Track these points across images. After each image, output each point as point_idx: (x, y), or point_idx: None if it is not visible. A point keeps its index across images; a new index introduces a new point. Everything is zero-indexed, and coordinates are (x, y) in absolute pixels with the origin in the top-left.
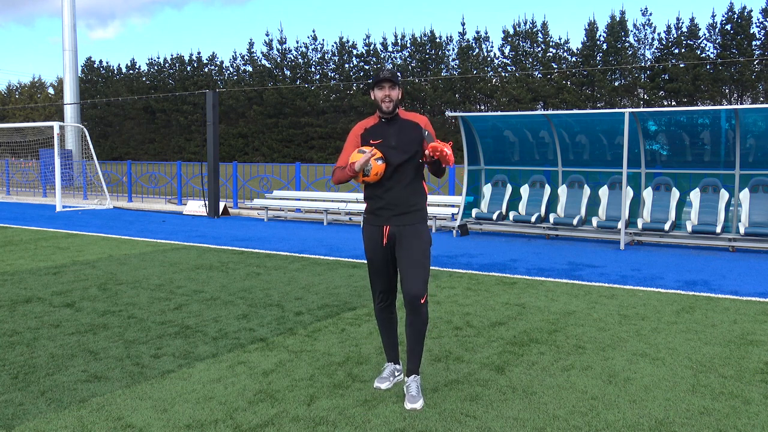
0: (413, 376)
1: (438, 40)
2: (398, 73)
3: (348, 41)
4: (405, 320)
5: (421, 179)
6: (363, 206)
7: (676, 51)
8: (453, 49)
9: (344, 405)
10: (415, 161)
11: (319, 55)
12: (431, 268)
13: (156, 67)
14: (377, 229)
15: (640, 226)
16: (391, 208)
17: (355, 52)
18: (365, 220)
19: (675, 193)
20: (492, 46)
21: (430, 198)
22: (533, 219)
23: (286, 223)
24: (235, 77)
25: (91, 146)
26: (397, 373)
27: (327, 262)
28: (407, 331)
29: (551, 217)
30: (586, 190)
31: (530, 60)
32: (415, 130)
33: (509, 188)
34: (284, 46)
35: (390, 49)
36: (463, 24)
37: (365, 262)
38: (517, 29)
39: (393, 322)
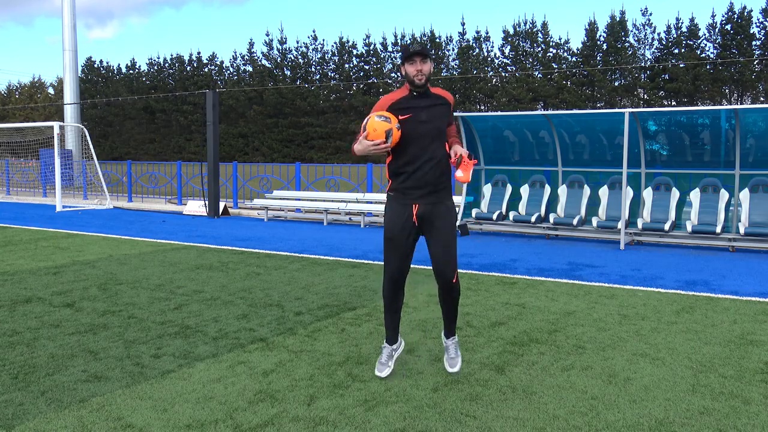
0: (452, 338)
1: (438, 40)
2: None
3: (348, 41)
4: (439, 294)
5: (448, 161)
6: (363, 207)
7: (676, 51)
8: (453, 49)
9: (344, 405)
10: (444, 137)
11: (319, 55)
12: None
13: (156, 67)
14: (405, 207)
15: (640, 226)
16: (422, 187)
17: (355, 52)
18: (391, 197)
19: (675, 193)
20: (492, 46)
21: None
22: (533, 219)
23: (286, 223)
24: (235, 77)
25: (91, 146)
26: (395, 354)
27: (327, 262)
28: (442, 302)
29: (551, 217)
30: (586, 190)
31: (530, 60)
32: (444, 107)
33: (509, 188)
34: (284, 46)
35: (390, 49)
36: (463, 24)
37: (365, 262)
38: (517, 29)
39: (400, 300)
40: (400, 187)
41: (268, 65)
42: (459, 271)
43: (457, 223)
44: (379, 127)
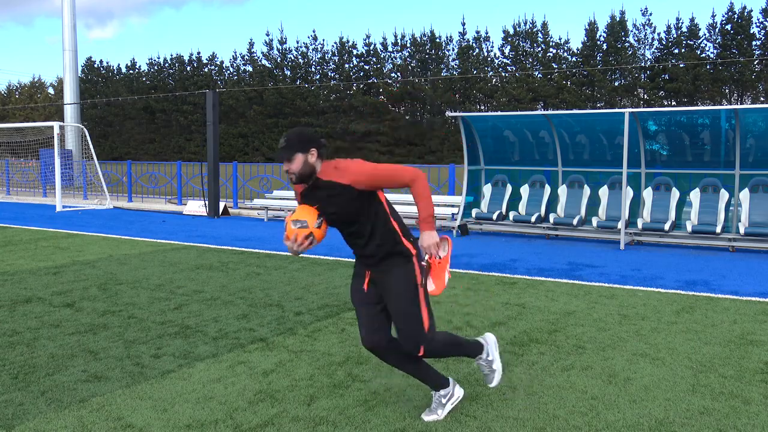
0: (438, 392)
1: (438, 40)
2: (298, 136)
3: (348, 41)
4: None
5: (386, 221)
6: None
7: (676, 51)
8: (453, 49)
9: (344, 405)
10: (365, 216)
11: (319, 55)
12: None
13: (156, 67)
14: (360, 273)
15: (640, 226)
16: (366, 258)
17: (355, 52)
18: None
19: (675, 193)
20: (492, 46)
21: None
22: (533, 219)
23: None
24: (235, 77)
25: (91, 146)
26: (444, 400)
27: (327, 262)
28: None
29: (551, 217)
30: (586, 190)
31: (530, 60)
32: (342, 193)
33: (509, 188)
34: (284, 46)
35: (390, 49)
36: (463, 24)
37: None
38: (517, 29)
39: (402, 355)
40: (353, 253)
41: (268, 65)
42: (459, 271)
43: (457, 224)
44: (298, 233)
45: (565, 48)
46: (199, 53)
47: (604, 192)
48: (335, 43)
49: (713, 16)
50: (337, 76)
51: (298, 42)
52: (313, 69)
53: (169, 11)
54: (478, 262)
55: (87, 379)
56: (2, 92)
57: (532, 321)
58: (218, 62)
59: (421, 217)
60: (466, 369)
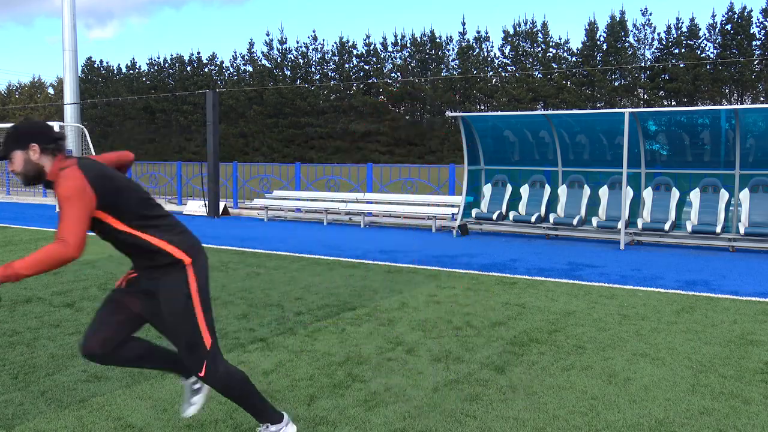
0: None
1: (438, 40)
2: (15, 131)
3: (348, 41)
4: None
5: (137, 234)
6: (363, 207)
7: (676, 51)
8: (453, 49)
9: (344, 405)
10: (109, 225)
11: (319, 55)
12: (429, 267)
13: (156, 67)
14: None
15: (640, 226)
16: (138, 268)
17: (355, 52)
18: None
19: (675, 193)
20: (492, 46)
21: (431, 198)
22: (533, 219)
23: (286, 223)
24: (235, 77)
25: (91, 146)
26: (196, 387)
27: (327, 262)
28: None
29: (551, 217)
30: (586, 190)
31: (530, 60)
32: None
33: (509, 188)
34: (284, 46)
35: (390, 49)
36: (463, 24)
37: (365, 262)
38: (517, 29)
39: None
40: None
41: (268, 65)
42: (459, 271)
43: (457, 224)
44: None
45: (565, 48)
46: (199, 53)
47: (604, 192)
48: (335, 43)
49: (713, 16)
50: (337, 76)
51: (298, 42)
52: (313, 69)
53: (169, 11)
54: (478, 262)
55: (87, 379)
56: (2, 92)
57: (532, 321)
58: (218, 62)
59: (14, 262)
60: (466, 369)
